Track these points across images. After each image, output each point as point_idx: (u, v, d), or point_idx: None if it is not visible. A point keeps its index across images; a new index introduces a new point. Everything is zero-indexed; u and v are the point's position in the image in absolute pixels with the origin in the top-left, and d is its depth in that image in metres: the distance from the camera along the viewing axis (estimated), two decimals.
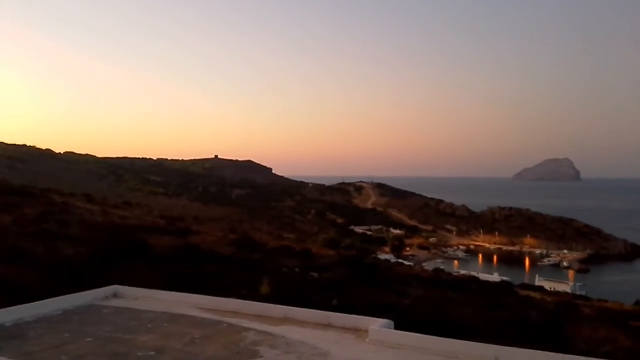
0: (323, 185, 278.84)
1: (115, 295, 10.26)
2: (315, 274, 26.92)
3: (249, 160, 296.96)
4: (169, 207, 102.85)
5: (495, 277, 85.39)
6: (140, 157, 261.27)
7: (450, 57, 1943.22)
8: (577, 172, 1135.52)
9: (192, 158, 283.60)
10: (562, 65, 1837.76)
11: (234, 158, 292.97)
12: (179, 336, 7.61)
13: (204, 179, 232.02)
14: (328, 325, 8.12)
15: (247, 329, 8.00)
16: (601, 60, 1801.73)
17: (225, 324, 8.34)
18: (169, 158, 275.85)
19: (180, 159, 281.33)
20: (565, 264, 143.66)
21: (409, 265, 74.96)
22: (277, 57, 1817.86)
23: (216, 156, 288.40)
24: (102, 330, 7.86)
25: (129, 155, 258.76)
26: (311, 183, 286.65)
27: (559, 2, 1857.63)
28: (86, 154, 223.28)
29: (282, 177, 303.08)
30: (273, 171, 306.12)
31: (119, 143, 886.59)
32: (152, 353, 6.83)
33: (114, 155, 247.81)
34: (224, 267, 21.59)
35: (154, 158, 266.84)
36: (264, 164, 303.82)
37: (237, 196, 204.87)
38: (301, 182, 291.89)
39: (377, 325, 7.58)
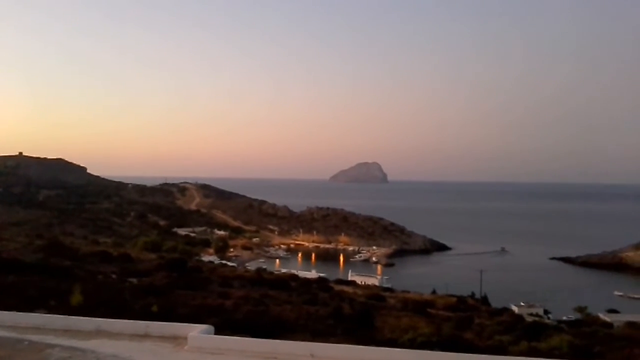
0: (144, 185, 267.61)
1: None
2: (135, 280, 25.83)
3: (60, 159, 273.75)
4: None
5: (313, 274, 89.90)
6: None
7: (265, 60, 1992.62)
8: (385, 175, 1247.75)
9: None
10: (369, 75, 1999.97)
11: (42, 156, 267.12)
12: None
13: (6, 179, 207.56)
14: (145, 336, 7.86)
15: (52, 346, 7.37)
16: (397, 69, 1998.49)
17: (26, 342, 7.57)
18: None
19: None
20: (374, 259, 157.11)
21: (232, 267, 75.26)
22: (90, 45, 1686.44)
23: (20, 153, 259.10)
24: None
25: None
26: (131, 184, 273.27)
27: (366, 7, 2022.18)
28: None
29: (97, 177, 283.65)
30: (87, 171, 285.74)
31: None
32: None
33: None
34: (29, 276, 19.63)
35: None
36: (77, 163, 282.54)
37: (45, 198, 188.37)
38: (120, 182, 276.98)
39: (196, 332, 7.55)
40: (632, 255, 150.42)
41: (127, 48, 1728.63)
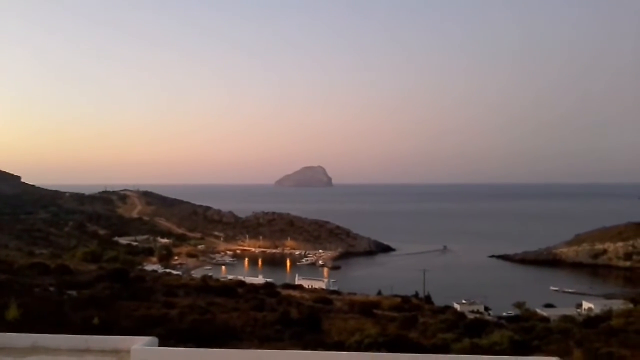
0: (82, 194, 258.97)
1: None
2: (74, 292, 24.90)
3: None
4: None
5: (260, 279, 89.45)
6: None
7: (209, 65, 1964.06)
8: (330, 179, 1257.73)
9: None
10: (312, 81, 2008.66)
11: None
12: None
13: None
14: (86, 351, 7.62)
15: None
16: (340, 75, 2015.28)
17: None
18: None
19: None
20: (320, 262, 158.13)
21: (177, 275, 73.67)
22: (23, 47, 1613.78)
23: None
24: None
25: None
26: (68, 192, 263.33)
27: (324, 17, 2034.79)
28: None
29: (33, 186, 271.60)
30: (22, 180, 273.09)
31: None
32: None
33: None
34: None
35: None
36: (11, 172, 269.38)
37: None
38: (56, 191, 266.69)
39: (139, 345, 7.38)
40: (565, 251, 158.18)
41: (56, 55, 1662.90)
